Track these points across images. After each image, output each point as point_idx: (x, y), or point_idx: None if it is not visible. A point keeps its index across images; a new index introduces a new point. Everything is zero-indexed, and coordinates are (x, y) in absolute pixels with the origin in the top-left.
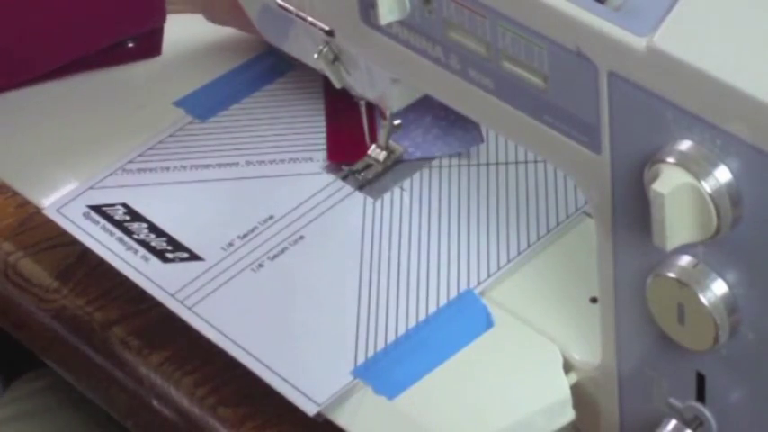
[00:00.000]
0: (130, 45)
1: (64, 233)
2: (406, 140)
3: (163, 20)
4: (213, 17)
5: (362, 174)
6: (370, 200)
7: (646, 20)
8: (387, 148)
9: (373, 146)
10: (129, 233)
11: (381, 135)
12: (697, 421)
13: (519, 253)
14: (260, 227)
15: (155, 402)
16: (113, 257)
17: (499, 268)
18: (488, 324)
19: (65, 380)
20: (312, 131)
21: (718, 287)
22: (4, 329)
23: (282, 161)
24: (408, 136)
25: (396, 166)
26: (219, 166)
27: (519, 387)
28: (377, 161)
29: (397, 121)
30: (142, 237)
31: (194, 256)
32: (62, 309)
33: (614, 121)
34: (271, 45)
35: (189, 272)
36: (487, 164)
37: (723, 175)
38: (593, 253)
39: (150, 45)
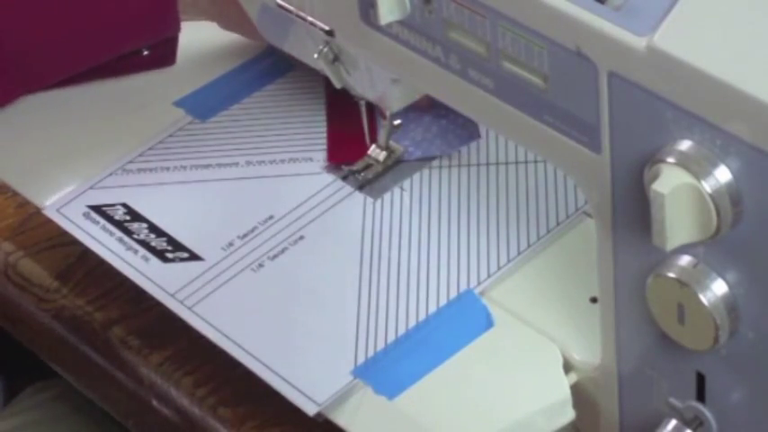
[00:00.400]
0: (145, 53)
1: (64, 233)
2: (405, 140)
3: (177, 29)
4: (227, 25)
5: (362, 174)
6: (370, 200)
7: (646, 20)
8: (387, 148)
9: (373, 146)
10: (129, 233)
11: (381, 135)
12: (697, 421)
13: (519, 253)
14: (260, 227)
15: (155, 402)
16: (113, 257)
17: (499, 268)
18: (488, 324)
19: (71, 390)
20: (312, 131)
21: (719, 287)
22: (7, 338)
23: (282, 161)
24: (408, 135)
25: (396, 166)
26: (219, 166)
27: (519, 387)
28: (377, 161)
29: (397, 121)
30: (142, 237)
31: (194, 256)
32: (62, 309)
33: (614, 121)
34: (271, 45)
35: (189, 272)
36: (487, 164)
37: (723, 174)
38: (593, 253)
39: (165, 54)
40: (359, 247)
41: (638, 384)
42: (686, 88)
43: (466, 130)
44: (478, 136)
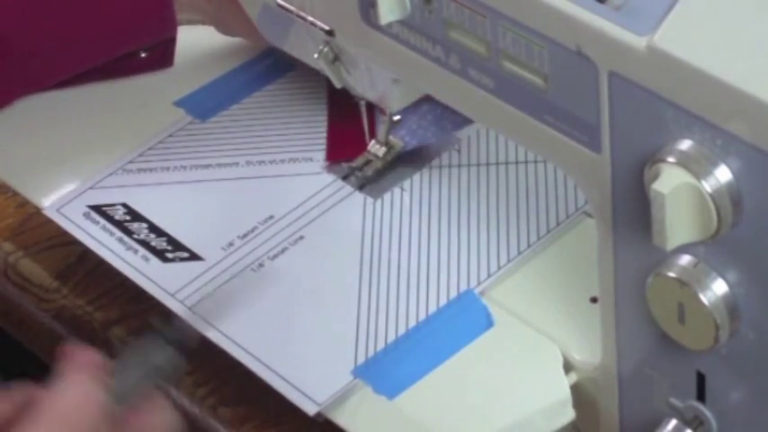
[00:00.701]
0: (143, 55)
1: (64, 233)
2: (402, 129)
3: (174, 30)
4: (226, 30)
5: (362, 170)
6: (370, 200)
7: (646, 19)
8: (386, 143)
9: (372, 141)
10: (129, 233)
11: (381, 131)
12: (697, 421)
13: (519, 253)
14: (260, 227)
15: None
16: (113, 257)
17: (499, 268)
18: (488, 324)
19: None
20: (312, 131)
21: (719, 287)
22: (7, 338)
23: (282, 161)
24: (405, 125)
25: (396, 167)
26: (219, 166)
27: (519, 387)
28: (376, 156)
29: (396, 117)
30: (142, 237)
31: (194, 256)
32: (62, 309)
33: (614, 121)
34: (271, 45)
35: (189, 272)
36: (487, 164)
37: (723, 174)
38: (593, 253)
39: (163, 56)
40: (359, 247)
41: (638, 384)
42: (686, 88)
43: (460, 115)
44: (472, 120)
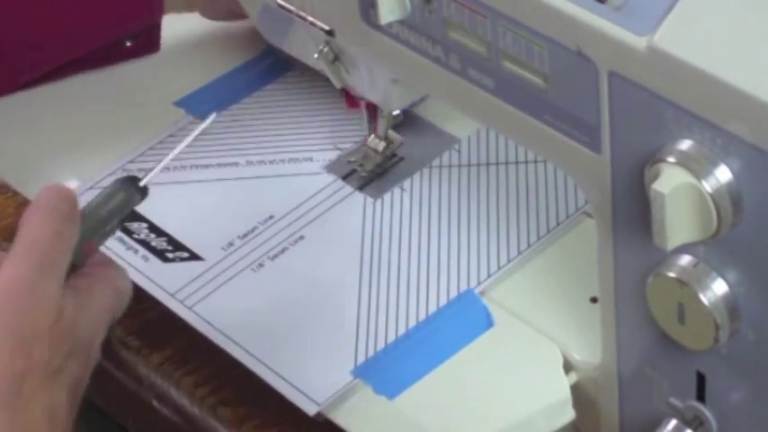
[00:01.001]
0: (128, 44)
1: None
2: None
3: (160, 15)
4: (213, 14)
5: (361, 165)
6: (370, 200)
7: (646, 19)
8: (386, 138)
9: (372, 136)
10: (128, 233)
11: (380, 125)
12: (697, 421)
13: (519, 253)
14: (260, 227)
15: (155, 402)
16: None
17: (499, 268)
18: (488, 324)
19: None
20: (312, 131)
21: (719, 287)
22: None
23: (282, 161)
24: None
25: (396, 166)
26: (219, 166)
27: (519, 387)
28: (375, 151)
29: (395, 112)
30: (142, 236)
31: (194, 256)
32: None
33: (614, 121)
34: (271, 45)
35: (189, 272)
36: (487, 164)
37: (723, 174)
38: (593, 253)
39: (149, 42)
40: (359, 246)
41: (638, 384)
42: (686, 88)
43: None
44: None
